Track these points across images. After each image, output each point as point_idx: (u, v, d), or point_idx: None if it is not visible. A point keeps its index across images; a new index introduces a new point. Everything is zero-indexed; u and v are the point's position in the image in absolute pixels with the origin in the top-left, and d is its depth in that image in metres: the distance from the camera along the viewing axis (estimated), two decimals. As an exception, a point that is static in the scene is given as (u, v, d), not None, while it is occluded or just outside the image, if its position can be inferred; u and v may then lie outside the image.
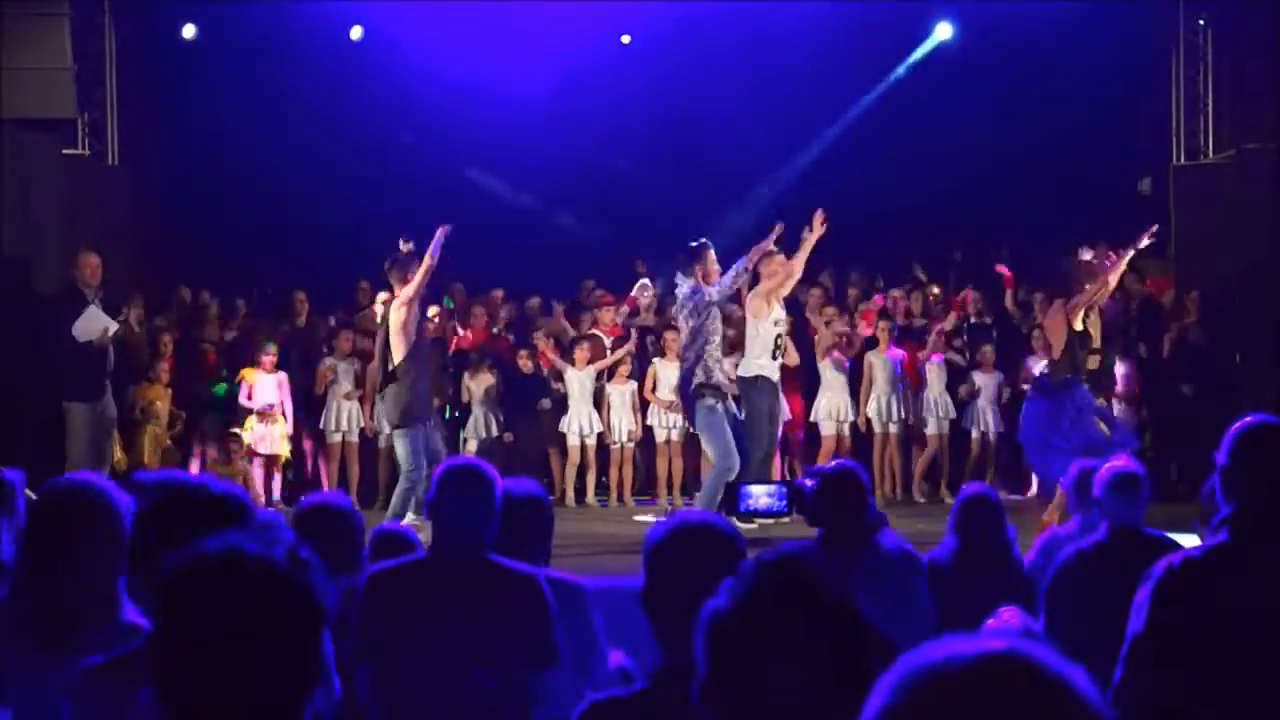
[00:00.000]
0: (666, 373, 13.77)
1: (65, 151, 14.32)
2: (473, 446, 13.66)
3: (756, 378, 11.37)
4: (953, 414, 14.20)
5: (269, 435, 13.74)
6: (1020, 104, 16.51)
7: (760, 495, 8.45)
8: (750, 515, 9.49)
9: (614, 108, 16.68)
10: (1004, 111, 16.49)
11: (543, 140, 16.44)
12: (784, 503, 8.73)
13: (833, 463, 6.20)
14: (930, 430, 14.17)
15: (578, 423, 13.94)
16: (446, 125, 16.67)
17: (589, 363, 14.01)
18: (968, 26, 16.92)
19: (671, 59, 16.92)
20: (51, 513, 4.01)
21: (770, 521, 10.01)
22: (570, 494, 13.96)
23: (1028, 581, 6.26)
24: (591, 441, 14.02)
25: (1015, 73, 16.46)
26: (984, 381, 14.26)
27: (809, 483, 5.75)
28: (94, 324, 12.15)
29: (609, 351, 14.23)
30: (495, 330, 14.86)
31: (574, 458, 14.02)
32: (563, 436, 14.00)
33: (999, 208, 16.56)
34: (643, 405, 14.16)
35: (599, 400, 14.10)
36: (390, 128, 16.74)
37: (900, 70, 17.09)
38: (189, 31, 16.18)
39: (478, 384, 13.99)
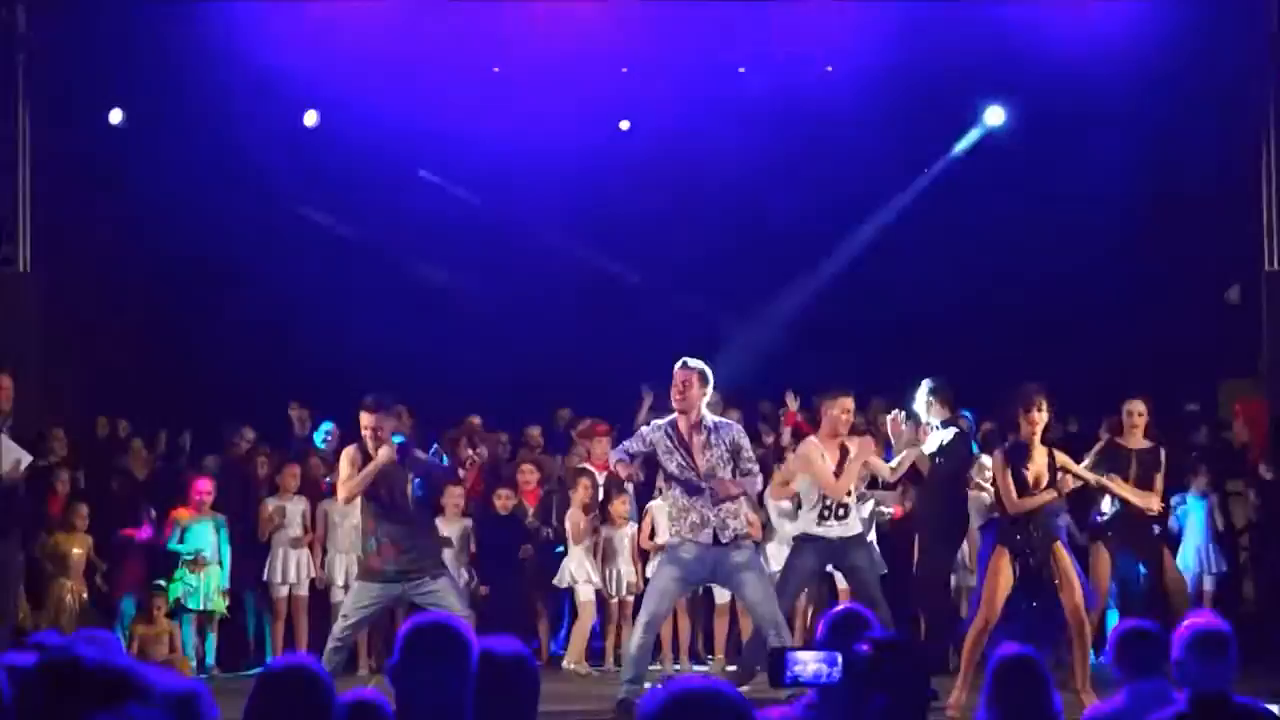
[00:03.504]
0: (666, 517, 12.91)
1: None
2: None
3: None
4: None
5: (202, 588, 13.24)
6: (1093, 203, 16.19)
7: (809, 662, 7.92)
8: (797, 685, 8.93)
9: (608, 200, 16.63)
10: (1075, 211, 16.21)
11: (520, 234, 16.46)
12: (836, 669, 8.15)
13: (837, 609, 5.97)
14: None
15: (584, 571, 13.42)
16: (407, 218, 16.69)
17: (584, 505, 13.47)
18: (1025, 112, 16.63)
19: (669, 144, 16.66)
20: None
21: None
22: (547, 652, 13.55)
23: None
24: (591, 595, 13.48)
25: (1085, 168, 16.06)
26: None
27: (864, 647, 5.30)
28: (6, 457, 11.75)
29: (600, 491, 13.74)
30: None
31: (587, 615, 13.43)
32: (555, 588, 13.53)
33: (1070, 317, 16.16)
34: (641, 554, 13.56)
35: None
36: (346, 222, 16.81)
37: (946, 160, 16.98)
38: (116, 117, 16.04)
39: (451, 527, 13.39)
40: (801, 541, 11.74)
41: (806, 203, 16.38)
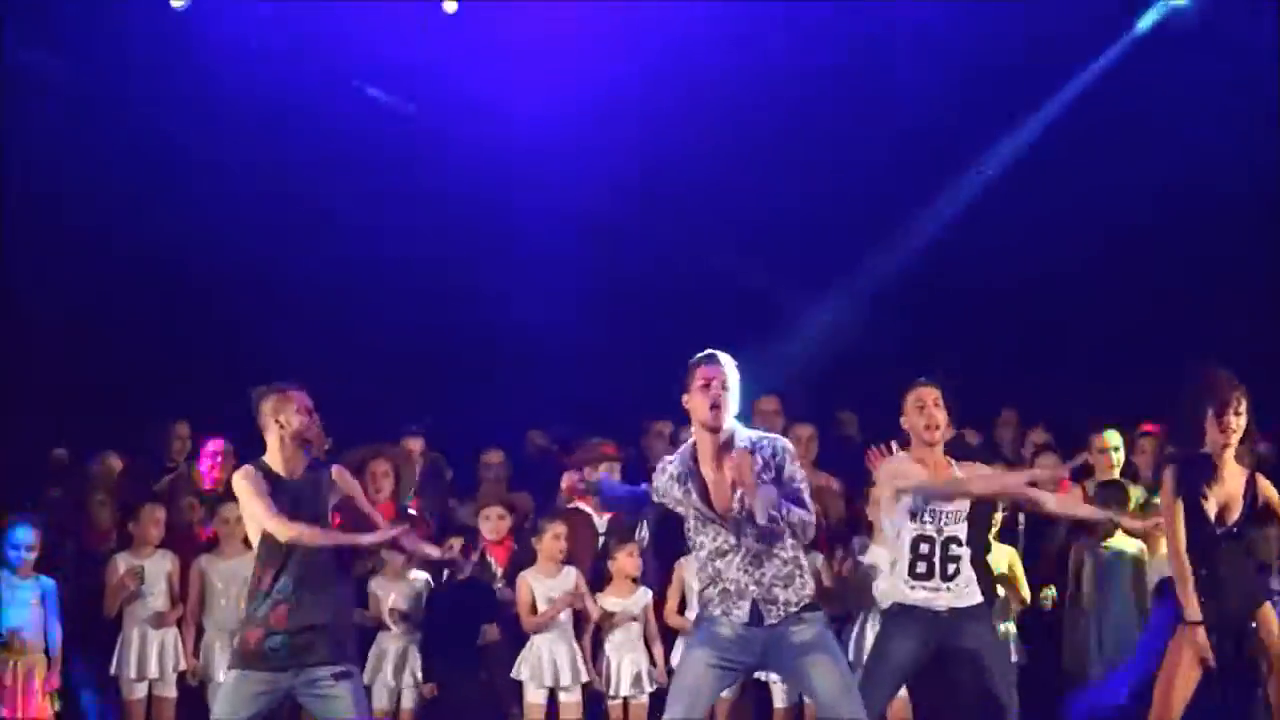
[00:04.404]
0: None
1: None
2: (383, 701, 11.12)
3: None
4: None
5: (19, 683, 11.23)
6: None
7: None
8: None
9: (620, 135, 15.12)
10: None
11: (489, 170, 15.27)
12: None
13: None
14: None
15: (548, 665, 11.13)
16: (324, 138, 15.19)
17: (565, 558, 11.18)
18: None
19: (703, 71, 15.25)
20: None
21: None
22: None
23: None
24: (573, 697, 11.12)
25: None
26: None
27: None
28: None
29: (599, 538, 11.63)
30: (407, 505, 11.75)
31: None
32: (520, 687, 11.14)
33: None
34: (666, 633, 11.27)
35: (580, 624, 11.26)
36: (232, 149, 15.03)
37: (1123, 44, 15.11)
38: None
39: (395, 587, 11.27)
40: (894, 614, 9.38)
41: (899, 143, 15.01)
